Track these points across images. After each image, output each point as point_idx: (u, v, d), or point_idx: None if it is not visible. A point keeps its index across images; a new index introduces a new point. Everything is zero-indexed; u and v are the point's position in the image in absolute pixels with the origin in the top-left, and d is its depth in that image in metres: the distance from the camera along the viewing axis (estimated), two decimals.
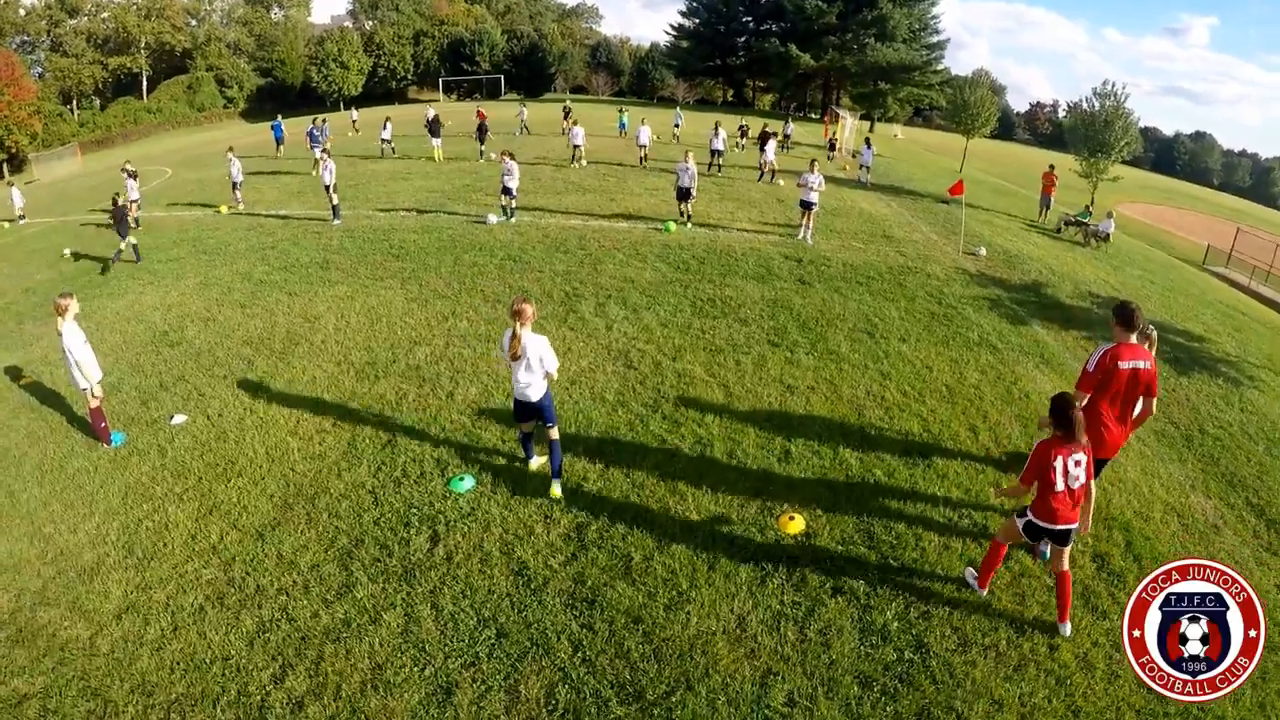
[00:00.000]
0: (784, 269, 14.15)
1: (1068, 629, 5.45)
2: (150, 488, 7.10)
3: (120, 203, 16.88)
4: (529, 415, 6.63)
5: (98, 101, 75.46)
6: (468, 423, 8.16)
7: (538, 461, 7.23)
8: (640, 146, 25.96)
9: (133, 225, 18.86)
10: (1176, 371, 10.91)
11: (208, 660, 5.06)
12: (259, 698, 4.77)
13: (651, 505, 6.72)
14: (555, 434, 6.63)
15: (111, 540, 6.35)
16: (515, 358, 6.12)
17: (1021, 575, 6.00)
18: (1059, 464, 5.10)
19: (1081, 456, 5.11)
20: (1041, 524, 5.26)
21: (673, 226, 16.59)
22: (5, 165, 54.07)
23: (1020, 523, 5.41)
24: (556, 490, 6.76)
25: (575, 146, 25.49)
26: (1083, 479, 5.12)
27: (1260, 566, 6.58)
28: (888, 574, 5.92)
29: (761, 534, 6.35)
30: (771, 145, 25.50)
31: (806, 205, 16.39)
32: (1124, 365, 5.57)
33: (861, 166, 27.38)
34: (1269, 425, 9.68)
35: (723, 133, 25.70)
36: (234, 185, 19.83)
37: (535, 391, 6.34)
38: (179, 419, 8.34)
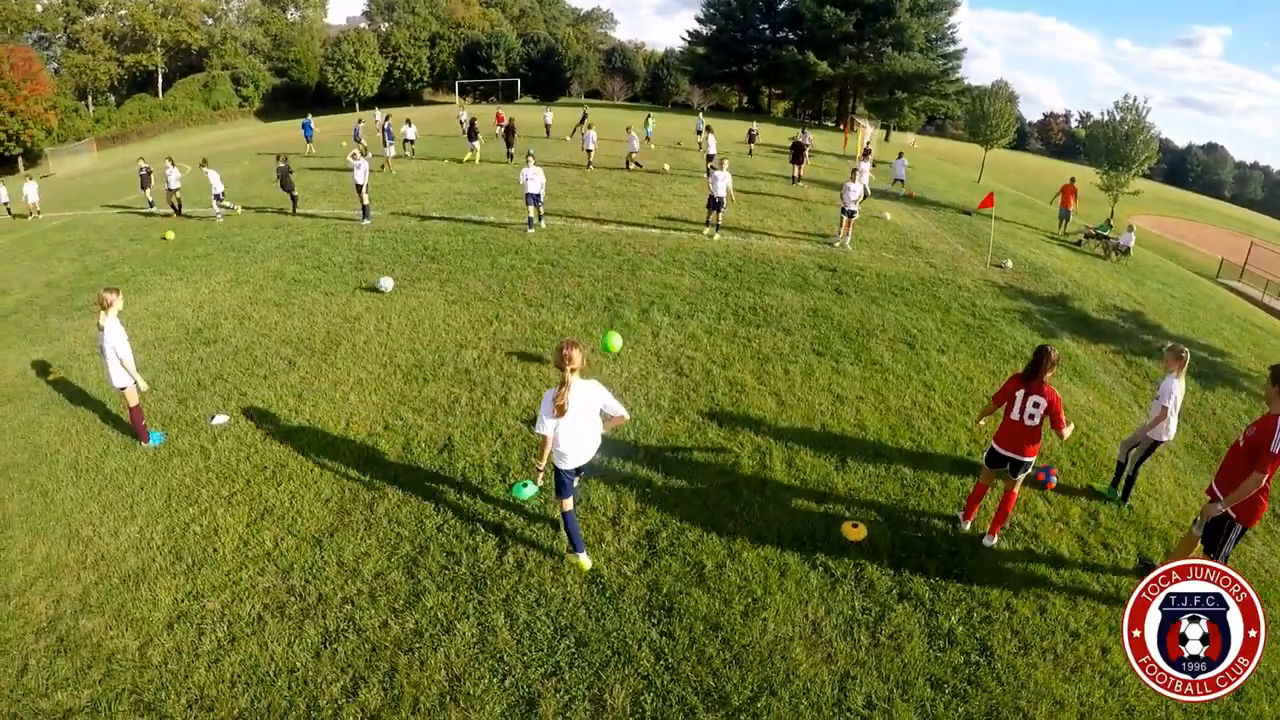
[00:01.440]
0: (820, 278, 14.11)
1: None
2: (195, 490, 6.86)
3: (286, 164, 17.80)
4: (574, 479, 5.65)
5: (113, 98, 75.74)
6: (524, 429, 8.01)
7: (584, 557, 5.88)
8: (631, 152, 26.76)
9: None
10: (1202, 386, 10.93)
11: (271, 673, 4.82)
12: (330, 712, 4.56)
13: (718, 512, 6.67)
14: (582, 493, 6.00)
15: (157, 545, 6.08)
16: (562, 411, 5.07)
17: (1074, 582, 6.12)
18: (1019, 396, 5.93)
19: (1041, 400, 5.83)
20: (997, 448, 6.07)
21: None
22: (21, 160, 54.42)
23: (984, 454, 6.30)
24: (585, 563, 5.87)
25: (588, 150, 26.13)
26: (1037, 419, 5.86)
27: None
28: (949, 579, 5.98)
29: (827, 541, 6.33)
30: (866, 168, 22.78)
31: (848, 214, 16.58)
32: None
33: (895, 180, 27.69)
34: None
35: (712, 139, 27.40)
36: (216, 197, 18.97)
37: (593, 447, 5.48)
38: (221, 419, 8.14)
